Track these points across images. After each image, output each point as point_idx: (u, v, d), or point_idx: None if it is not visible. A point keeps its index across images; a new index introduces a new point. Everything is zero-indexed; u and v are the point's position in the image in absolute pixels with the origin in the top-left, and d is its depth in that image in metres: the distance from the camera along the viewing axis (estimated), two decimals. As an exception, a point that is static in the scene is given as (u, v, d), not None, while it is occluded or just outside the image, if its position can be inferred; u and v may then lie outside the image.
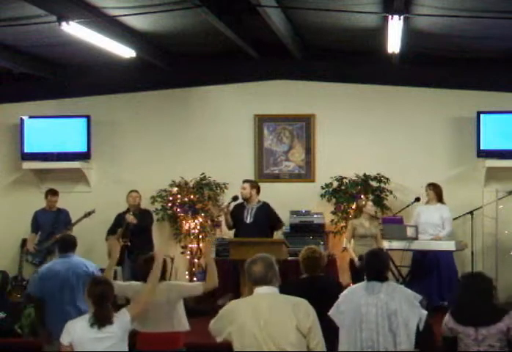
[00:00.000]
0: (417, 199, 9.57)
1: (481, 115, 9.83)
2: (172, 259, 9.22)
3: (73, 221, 9.56)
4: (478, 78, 10.04)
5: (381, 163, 10.12)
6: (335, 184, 10.05)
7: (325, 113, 10.40)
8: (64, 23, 7.31)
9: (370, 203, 9.03)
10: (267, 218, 8.85)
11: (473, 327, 5.08)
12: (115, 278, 9.42)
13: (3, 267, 9.88)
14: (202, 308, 8.07)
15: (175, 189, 10.21)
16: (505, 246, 9.93)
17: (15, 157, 10.61)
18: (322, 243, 9.47)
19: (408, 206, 9.67)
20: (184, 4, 7.41)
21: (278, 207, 9.53)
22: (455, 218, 9.51)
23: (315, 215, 9.87)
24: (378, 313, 5.09)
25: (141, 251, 9.06)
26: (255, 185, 8.99)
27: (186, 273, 9.98)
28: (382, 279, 5.23)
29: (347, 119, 10.38)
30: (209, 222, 10.08)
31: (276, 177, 10.51)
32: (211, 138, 10.49)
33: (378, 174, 10.00)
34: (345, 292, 5.38)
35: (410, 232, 8.91)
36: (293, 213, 9.90)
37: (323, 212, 9.93)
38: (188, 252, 10.09)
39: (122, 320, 5.00)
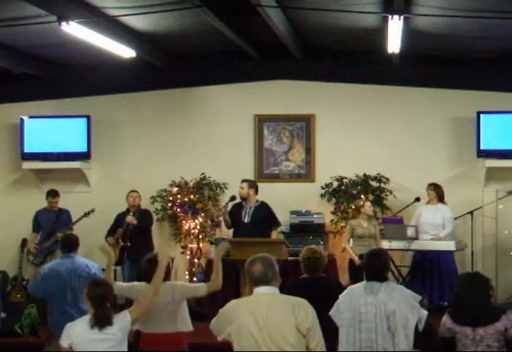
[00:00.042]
0: (417, 199, 9.58)
1: (481, 115, 9.83)
2: (172, 259, 9.22)
3: (73, 221, 9.58)
4: (478, 78, 10.04)
5: (381, 163, 10.12)
6: (335, 184, 10.05)
7: (325, 113, 10.40)
8: (64, 23, 7.31)
9: (368, 203, 9.02)
10: (265, 217, 8.85)
11: (471, 327, 5.09)
12: (115, 278, 9.49)
13: (3, 267, 9.93)
14: (203, 310, 8.06)
15: (175, 189, 10.20)
16: (505, 246, 9.93)
17: (15, 157, 10.61)
18: (322, 243, 9.47)
19: (408, 206, 9.67)
20: (184, 4, 7.41)
21: (278, 207, 9.53)
22: (455, 218, 9.51)
23: (315, 215, 9.87)
24: (376, 313, 5.10)
25: (140, 252, 9.14)
26: (253, 185, 8.99)
27: (186, 273, 9.98)
28: (381, 278, 5.24)
29: (347, 119, 10.39)
30: (209, 222, 10.08)
31: (276, 177, 10.50)
32: (211, 138, 10.49)
33: (378, 174, 10.00)
34: (344, 292, 5.39)
35: (410, 232, 8.92)
36: (293, 213, 9.90)
37: (323, 212, 9.93)
38: (188, 252, 10.09)
39: (123, 322, 5.01)
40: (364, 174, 10.00)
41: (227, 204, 8.94)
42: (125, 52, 8.88)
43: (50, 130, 10.50)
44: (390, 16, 7.15)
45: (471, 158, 9.97)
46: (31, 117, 10.53)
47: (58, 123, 10.53)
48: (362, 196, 9.70)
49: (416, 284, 8.79)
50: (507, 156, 9.77)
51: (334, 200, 10.00)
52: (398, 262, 9.17)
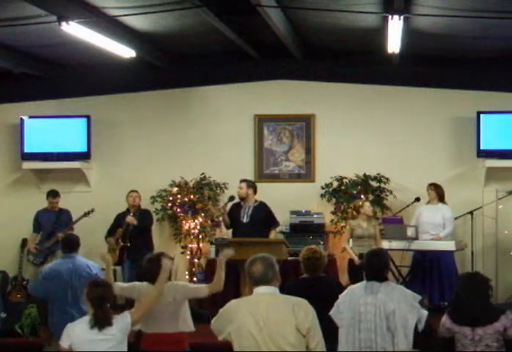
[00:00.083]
0: (417, 199, 9.58)
1: (481, 115, 9.83)
2: (172, 259, 9.21)
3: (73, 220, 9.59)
4: (478, 78, 10.04)
5: (381, 163, 10.13)
6: (335, 184, 10.05)
7: (325, 113, 10.40)
8: (64, 23, 7.31)
9: (367, 204, 9.01)
10: (263, 217, 8.86)
11: (470, 327, 5.09)
12: (115, 278, 9.49)
13: (3, 267, 9.93)
14: (203, 312, 8.05)
15: (175, 189, 10.21)
16: (505, 246, 9.93)
17: (15, 157, 10.61)
18: (322, 243, 9.47)
19: (408, 206, 9.67)
20: (184, 4, 7.41)
21: (278, 207, 9.54)
22: (455, 218, 9.50)
23: (315, 215, 9.87)
24: (376, 313, 5.10)
25: (140, 252, 9.15)
26: (252, 185, 9.00)
27: (186, 273, 9.98)
28: (381, 278, 5.24)
29: (347, 119, 10.39)
30: (209, 222, 10.08)
31: (276, 177, 10.50)
32: (211, 138, 10.49)
33: (378, 174, 10.00)
34: (344, 292, 5.39)
35: (410, 232, 8.92)
36: (293, 213, 9.90)
37: (323, 212, 9.93)
38: (188, 252, 10.09)
39: (122, 322, 5.02)
40: (364, 174, 10.00)
41: (225, 204, 8.96)
42: (125, 52, 8.88)
43: (50, 130, 10.50)
44: (390, 16, 7.15)
45: (471, 158, 9.97)
46: (31, 117, 10.53)
47: (58, 123, 10.53)
48: (362, 196, 9.70)
49: (416, 284, 8.79)
50: (507, 156, 9.77)
51: (334, 200, 10.01)
52: (398, 262, 9.17)
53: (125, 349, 5.03)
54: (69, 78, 10.63)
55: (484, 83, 10.03)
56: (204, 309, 8.27)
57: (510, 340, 5.09)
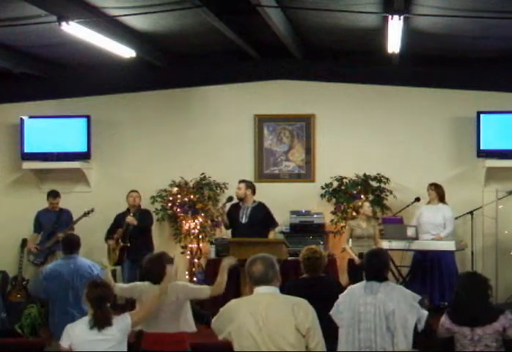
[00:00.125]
0: (417, 199, 9.58)
1: (481, 115, 9.83)
2: (172, 259, 9.21)
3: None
4: (478, 78, 10.04)
5: (381, 163, 10.13)
6: (335, 184, 10.05)
7: (325, 113, 10.40)
8: (64, 23, 7.31)
9: (366, 204, 9.02)
10: (262, 218, 8.87)
11: (469, 327, 5.09)
12: (114, 278, 9.49)
13: (3, 267, 9.93)
14: (205, 313, 8.05)
15: (175, 189, 10.21)
16: (505, 246, 9.93)
17: (15, 157, 10.61)
18: (322, 243, 9.47)
19: (408, 206, 9.67)
20: (184, 4, 7.41)
21: (278, 207, 9.55)
22: (455, 218, 9.50)
23: (315, 215, 9.87)
24: (375, 313, 5.10)
25: (140, 252, 9.15)
26: (250, 185, 9.01)
27: (186, 273, 9.98)
28: (381, 278, 5.24)
29: (347, 119, 10.39)
30: (209, 222, 10.08)
31: (276, 177, 10.50)
32: (211, 138, 10.49)
33: (378, 174, 10.00)
34: (344, 292, 5.39)
35: (410, 232, 8.92)
36: (293, 213, 9.90)
37: (323, 212, 9.93)
38: (188, 252, 10.09)
39: (122, 323, 5.03)
40: (364, 174, 10.00)
41: (224, 205, 8.98)
42: (125, 52, 8.88)
43: (50, 130, 10.50)
44: (390, 16, 7.14)
45: (471, 158, 9.97)
46: (31, 117, 10.53)
47: (58, 123, 10.53)
48: (362, 196, 9.71)
49: (416, 284, 8.79)
50: (507, 156, 9.77)
51: (334, 200, 10.01)
52: (398, 262, 9.17)
53: (125, 349, 5.04)
54: (69, 78, 10.63)
55: (484, 83, 10.03)
56: (205, 310, 8.26)
57: (509, 340, 5.10)
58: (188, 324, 5.75)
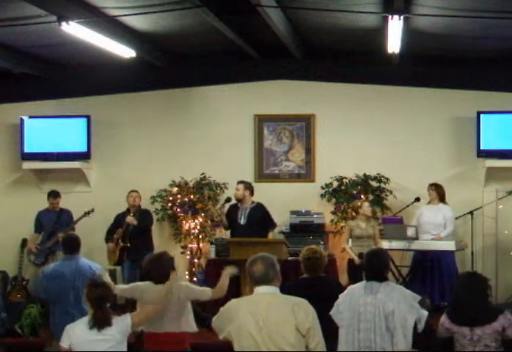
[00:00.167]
0: (417, 199, 9.58)
1: (481, 115, 9.83)
2: (172, 259, 9.21)
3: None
4: (478, 78, 10.04)
5: (381, 163, 10.13)
6: (335, 184, 10.05)
7: (325, 113, 10.40)
8: (64, 23, 7.31)
9: (366, 204, 9.01)
10: (260, 218, 8.87)
11: (468, 327, 5.09)
12: (114, 278, 9.50)
13: (3, 267, 9.93)
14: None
15: (175, 189, 10.20)
16: (505, 246, 9.93)
17: (15, 157, 10.60)
18: (322, 243, 9.47)
19: (408, 206, 9.67)
20: (184, 4, 7.41)
21: (278, 207, 9.56)
22: (455, 218, 9.50)
23: (315, 215, 9.86)
24: (375, 313, 5.11)
25: (140, 252, 9.15)
26: (248, 186, 9.01)
27: (186, 273, 9.97)
28: (381, 278, 5.24)
29: (347, 119, 10.38)
30: (209, 222, 10.08)
31: (276, 177, 10.50)
32: (211, 138, 10.49)
33: (378, 174, 10.00)
34: (345, 292, 5.39)
35: (410, 232, 8.92)
36: (293, 213, 9.90)
37: (323, 212, 9.93)
38: (188, 252, 10.09)
39: (122, 323, 5.04)
40: (364, 174, 10.00)
41: (222, 205, 9.01)
42: (125, 52, 8.88)
43: (50, 130, 10.50)
44: (390, 16, 7.14)
45: (471, 158, 9.97)
46: (31, 117, 10.53)
47: (58, 123, 10.53)
48: (362, 196, 9.71)
49: (416, 284, 8.79)
50: (507, 156, 9.76)
51: (334, 200, 10.00)
52: (398, 262, 9.17)
53: (125, 349, 5.04)
54: (69, 78, 10.63)
55: (484, 83, 10.03)
56: (207, 312, 8.26)
57: (508, 340, 5.10)
58: (189, 324, 5.76)
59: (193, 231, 10.09)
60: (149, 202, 10.10)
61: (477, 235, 9.91)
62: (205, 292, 5.84)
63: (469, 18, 7.58)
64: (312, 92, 10.40)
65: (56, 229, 9.60)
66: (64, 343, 5.00)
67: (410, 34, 8.31)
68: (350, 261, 8.75)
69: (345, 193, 9.90)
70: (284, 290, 4.46)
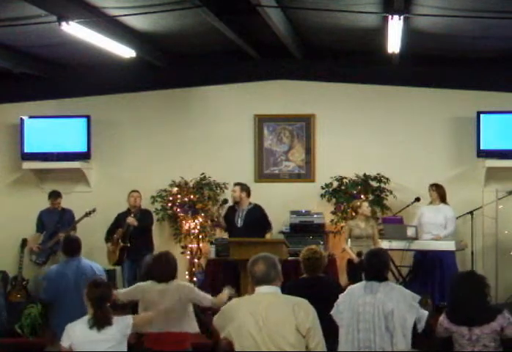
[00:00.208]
0: (417, 199, 9.58)
1: (481, 115, 9.83)
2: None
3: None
4: (478, 78, 10.04)
5: (381, 163, 10.12)
6: (335, 184, 10.05)
7: (325, 113, 10.40)
8: (64, 23, 7.31)
9: (365, 204, 9.02)
10: (257, 220, 8.89)
11: (467, 327, 5.08)
12: (114, 278, 9.51)
13: (3, 267, 9.93)
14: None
15: (175, 189, 10.20)
16: (505, 246, 9.93)
17: (15, 157, 10.60)
18: (322, 243, 9.47)
19: (408, 206, 9.67)
20: (184, 4, 7.41)
21: (278, 207, 9.58)
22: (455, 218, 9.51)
23: (315, 215, 9.86)
24: (374, 313, 5.11)
25: (141, 252, 9.17)
26: (245, 188, 9.03)
27: (186, 273, 9.98)
28: (381, 278, 5.24)
29: (347, 119, 10.38)
30: (209, 222, 10.08)
31: (276, 177, 10.50)
32: (211, 138, 10.49)
33: (378, 174, 10.00)
34: (345, 292, 5.39)
35: (410, 232, 8.92)
36: (293, 213, 9.90)
37: (323, 212, 9.93)
38: (188, 252, 10.09)
39: (123, 323, 5.04)
40: (364, 174, 10.00)
41: (219, 207, 9.03)
42: (125, 52, 8.88)
43: (50, 130, 10.50)
44: (390, 16, 7.14)
45: (471, 158, 9.97)
46: (31, 117, 10.53)
47: (58, 123, 10.53)
48: (362, 196, 9.71)
49: (416, 284, 8.79)
50: (507, 156, 9.76)
51: (334, 200, 10.00)
52: (398, 262, 9.17)
53: (125, 349, 5.04)
54: (69, 78, 10.63)
55: (484, 83, 10.03)
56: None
57: (507, 340, 5.09)
58: (190, 325, 5.78)
59: (193, 231, 10.09)
60: (149, 202, 10.09)
61: (477, 235, 9.91)
62: (206, 299, 5.87)
63: (469, 18, 7.58)
64: (312, 92, 10.40)
65: (57, 228, 9.61)
66: (64, 343, 5.00)
67: (410, 34, 8.31)
68: (350, 261, 8.75)
69: (345, 193, 9.90)
70: (284, 290, 4.46)
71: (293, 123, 10.49)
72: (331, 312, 5.27)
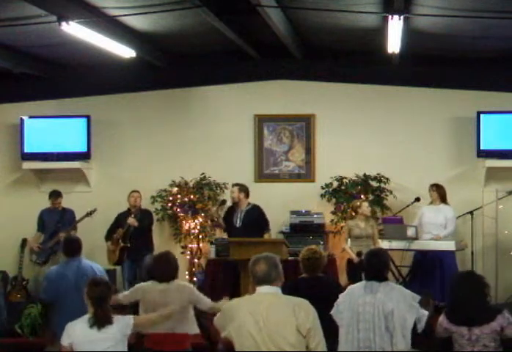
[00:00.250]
0: (417, 199, 9.58)
1: (481, 115, 9.83)
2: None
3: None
4: (478, 78, 10.04)
5: (381, 163, 10.12)
6: (335, 184, 10.05)
7: (325, 113, 10.40)
8: (64, 23, 7.31)
9: (365, 204, 9.02)
10: (255, 220, 8.90)
11: (466, 327, 5.08)
12: (114, 278, 9.50)
13: (3, 267, 9.93)
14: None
15: (175, 189, 10.21)
16: (505, 246, 9.93)
17: (15, 157, 10.60)
18: (322, 243, 9.47)
19: (408, 206, 9.67)
20: (184, 4, 7.41)
21: (278, 207, 9.58)
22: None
23: (315, 215, 9.87)
24: (374, 313, 5.11)
25: (141, 252, 9.17)
26: (243, 189, 9.04)
27: (186, 273, 9.98)
28: (381, 278, 5.24)
29: (347, 119, 10.38)
30: (209, 222, 10.08)
31: (276, 177, 10.50)
32: (211, 138, 10.49)
33: (378, 174, 10.00)
34: (345, 291, 5.39)
35: (410, 232, 8.92)
36: (293, 213, 9.90)
37: (323, 212, 9.93)
38: (188, 252, 10.09)
39: (123, 322, 5.04)
40: (364, 174, 9.99)
41: (217, 208, 9.06)
42: (125, 52, 8.88)
43: (50, 130, 10.50)
44: (390, 16, 7.15)
45: (471, 158, 9.97)
46: (31, 117, 10.53)
47: (58, 123, 10.53)
48: (362, 196, 9.71)
49: (416, 284, 8.79)
50: (507, 156, 9.77)
51: (334, 200, 10.00)
52: (398, 262, 9.17)
53: (125, 349, 5.04)
54: (69, 78, 10.63)
55: (484, 83, 10.03)
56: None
57: (507, 340, 5.09)
58: (190, 326, 5.79)
59: (193, 231, 10.09)
60: (149, 202, 10.09)
61: (477, 235, 9.91)
62: (205, 303, 5.88)
63: (469, 18, 7.58)
64: (312, 92, 10.40)
65: (58, 228, 9.60)
66: (64, 341, 5.00)
67: (410, 34, 8.31)
68: (350, 261, 8.75)
69: (345, 193, 9.90)
70: (284, 290, 4.46)
71: (293, 123, 10.49)
72: (331, 312, 5.27)
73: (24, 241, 9.94)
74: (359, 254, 8.38)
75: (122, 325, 5.01)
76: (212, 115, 10.55)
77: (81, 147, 10.43)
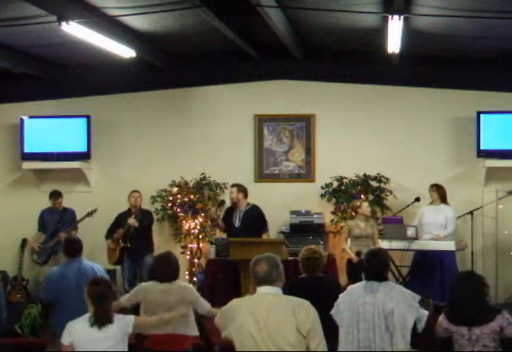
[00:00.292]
0: (417, 199, 9.58)
1: (481, 115, 9.83)
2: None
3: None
4: (478, 78, 10.04)
5: (381, 163, 10.13)
6: (335, 184, 10.05)
7: (325, 113, 10.40)
8: (64, 23, 7.31)
9: (365, 204, 9.02)
10: (254, 220, 8.90)
11: (466, 327, 5.08)
12: (114, 278, 9.51)
13: (3, 267, 9.93)
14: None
15: (175, 189, 10.21)
16: (505, 246, 9.93)
17: (15, 157, 10.61)
18: (322, 243, 9.48)
19: (408, 206, 9.67)
20: (184, 4, 7.41)
21: (278, 207, 9.58)
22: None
23: (315, 215, 9.87)
24: (374, 313, 5.11)
25: (141, 252, 9.18)
26: (242, 189, 9.05)
27: (186, 273, 9.98)
28: (381, 278, 5.24)
29: (347, 119, 10.39)
30: (209, 222, 10.08)
31: (276, 177, 10.50)
32: (211, 138, 10.49)
33: (378, 174, 10.00)
34: (345, 291, 5.40)
35: (410, 232, 8.92)
36: (293, 213, 9.90)
37: (323, 212, 9.93)
38: (188, 252, 10.09)
39: (124, 322, 5.04)
40: (364, 174, 10.00)
41: (216, 208, 9.07)
42: (125, 52, 8.88)
43: (50, 130, 10.50)
44: (390, 16, 7.15)
45: (471, 158, 9.97)
46: (31, 117, 10.53)
47: (58, 123, 10.53)
48: (362, 196, 9.71)
49: (416, 284, 8.79)
50: (507, 156, 9.77)
51: (334, 200, 10.00)
52: (398, 262, 9.17)
53: (126, 349, 5.04)
54: (69, 78, 10.63)
55: (484, 83, 10.03)
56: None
57: (506, 340, 5.09)
58: (190, 327, 5.80)
59: (193, 231, 10.10)
60: (149, 202, 10.10)
61: (477, 235, 9.91)
62: (204, 307, 5.88)
63: (469, 18, 7.58)
64: (312, 92, 10.40)
65: (58, 228, 9.60)
66: (65, 340, 5.00)
67: (410, 34, 8.31)
68: (350, 261, 8.75)
69: (345, 193, 9.90)
70: (284, 290, 4.46)
71: (293, 123, 10.49)
72: (331, 312, 5.28)
73: (24, 241, 9.95)
74: (358, 253, 8.38)
75: (122, 325, 5.02)
76: (212, 115, 10.55)
77: (81, 147, 10.43)
